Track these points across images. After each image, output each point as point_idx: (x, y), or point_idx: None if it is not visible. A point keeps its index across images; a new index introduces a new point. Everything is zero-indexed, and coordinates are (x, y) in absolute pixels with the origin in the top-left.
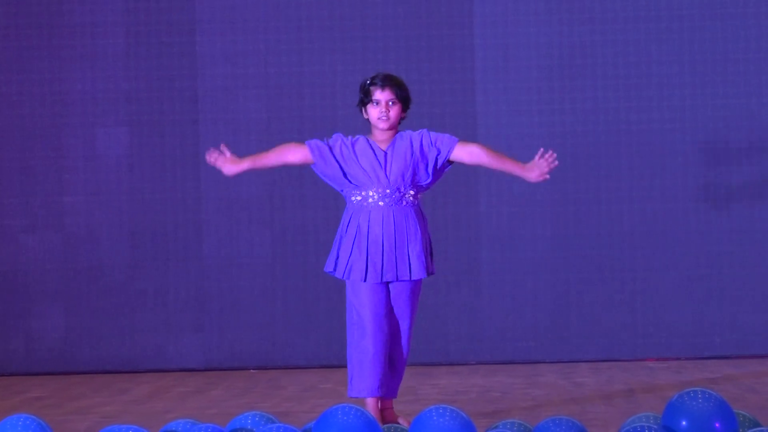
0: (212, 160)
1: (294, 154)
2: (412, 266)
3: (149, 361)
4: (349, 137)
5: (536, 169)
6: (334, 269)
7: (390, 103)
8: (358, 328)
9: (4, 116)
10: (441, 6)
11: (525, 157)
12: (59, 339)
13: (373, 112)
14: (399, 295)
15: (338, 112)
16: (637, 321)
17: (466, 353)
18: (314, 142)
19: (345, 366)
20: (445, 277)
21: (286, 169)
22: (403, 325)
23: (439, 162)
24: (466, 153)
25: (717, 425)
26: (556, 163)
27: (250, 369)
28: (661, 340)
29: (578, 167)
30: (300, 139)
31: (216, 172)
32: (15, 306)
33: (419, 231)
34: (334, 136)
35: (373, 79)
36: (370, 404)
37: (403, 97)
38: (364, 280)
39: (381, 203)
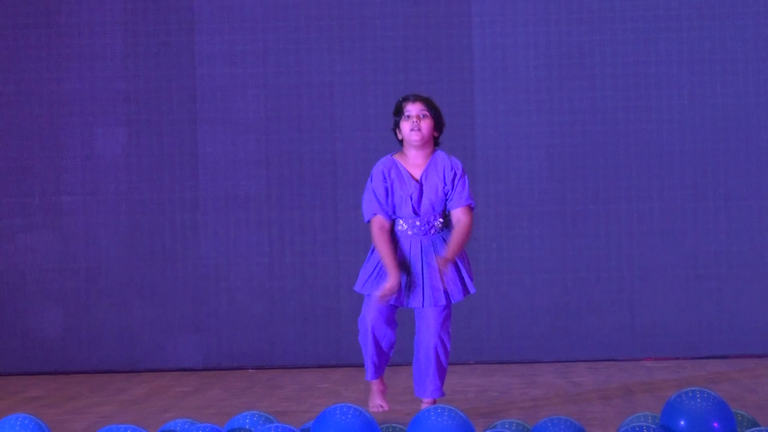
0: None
1: (386, 226)
2: (434, 294)
3: (147, 361)
4: (382, 166)
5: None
6: (361, 287)
7: (421, 115)
8: (362, 324)
9: (1, 115)
10: (439, 6)
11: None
12: (57, 338)
13: (406, 126)
14: (423, 319)
15: (336, 112)
16: (635, 321)
17: (464, 353)
18: (375, 207)
19: (343, 366)
20: None
21: (284, 168)
22: (428, 344)
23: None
24: (455, 215)
25: (715, 425)
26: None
27: (248, 368)
28: (659, 339)
29: (576, 167)
30: (299, 139)
31: (214, 172)
32: (12, 305)
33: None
34: (375, 180)
35: (405, 96)
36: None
37: (434, 114)
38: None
39: (410, 232)
